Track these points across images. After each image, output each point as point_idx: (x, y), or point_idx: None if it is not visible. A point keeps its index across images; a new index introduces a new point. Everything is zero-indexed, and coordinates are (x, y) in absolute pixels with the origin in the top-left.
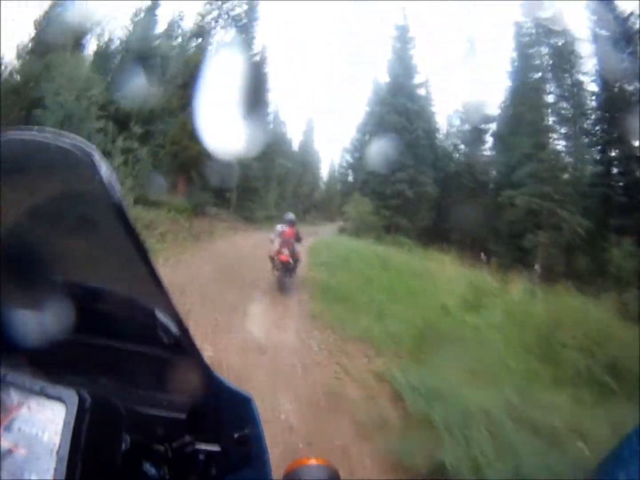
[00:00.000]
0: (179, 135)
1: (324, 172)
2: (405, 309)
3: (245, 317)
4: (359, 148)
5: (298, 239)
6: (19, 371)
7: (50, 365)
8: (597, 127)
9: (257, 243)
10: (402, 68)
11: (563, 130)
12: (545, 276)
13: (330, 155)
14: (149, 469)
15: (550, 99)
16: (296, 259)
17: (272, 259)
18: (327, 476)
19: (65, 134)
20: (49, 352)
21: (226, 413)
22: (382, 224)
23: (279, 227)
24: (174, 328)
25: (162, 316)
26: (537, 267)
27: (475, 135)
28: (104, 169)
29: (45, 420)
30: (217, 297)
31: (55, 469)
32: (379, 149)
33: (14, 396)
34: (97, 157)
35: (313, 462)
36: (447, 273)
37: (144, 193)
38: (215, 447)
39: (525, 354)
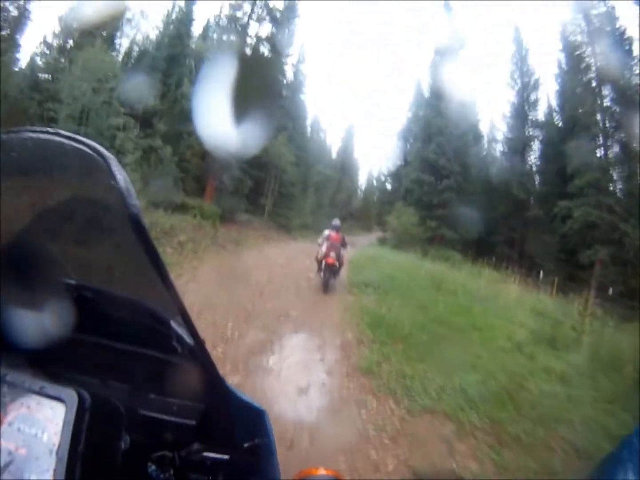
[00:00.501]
0: None
1: (362, 181)
2: (476, 351)
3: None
4: (401, 155)
5: (344, 244)
6: (19, 371)
7: (53, 365)
8: None
9: (290, 256)
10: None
11: (622, 135)
12: (603, 297)
13: (369, 164)
14: (155, 472)
15: (606, 102)
16: (341, 263)
17: (319, 262)
18: None
19: (79, 137)
20: (55, 352)
21: (237, 423)
22: (426, 235)
23: (326, 232)
24: (188, 339)
25: (176, 327)
26: (609, 290)
27: (524, 142)
28: (121, 176)
29: (45, 420)
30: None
31: (55, 469)
32: (424, 156)
33: (14, 396)
34: (114, 163)
35: (322, 472)
36: (506, 295)
37: (168, 195)
38: (223, 456)
39: None
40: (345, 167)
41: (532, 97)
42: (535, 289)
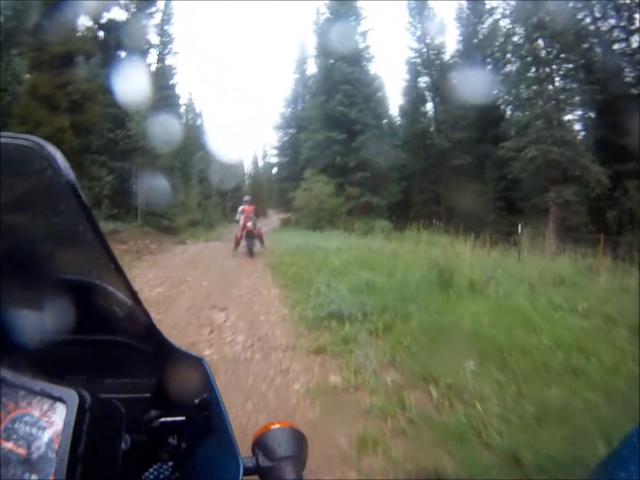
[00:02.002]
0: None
1: (247, 164)
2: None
3: None
4: (292, 121)
5: (257, 214)
6: (19, 371)
7: (51, 365)
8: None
9: (180, 281)
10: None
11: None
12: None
13: (252, 145)
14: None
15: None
16: (260, 233)
17: (236, 240)
18: (295, 437)
19: (21, 135)
20: (50, 352)
21: (186, 381)
22: (348, 206)
23: (240, 208)
24: (125, 300)
25: (113, 291)
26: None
27: (434, 87)
28: (59, 156)
29: (46, 421)
30: None
31: (56, 469)
32: (329, 110)
33: (14, 396)
34: (52, 148)
35: (277, 425)
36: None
37: None
38: (179, 418)
39: None
40: (227, 151)
41: (437, 41)
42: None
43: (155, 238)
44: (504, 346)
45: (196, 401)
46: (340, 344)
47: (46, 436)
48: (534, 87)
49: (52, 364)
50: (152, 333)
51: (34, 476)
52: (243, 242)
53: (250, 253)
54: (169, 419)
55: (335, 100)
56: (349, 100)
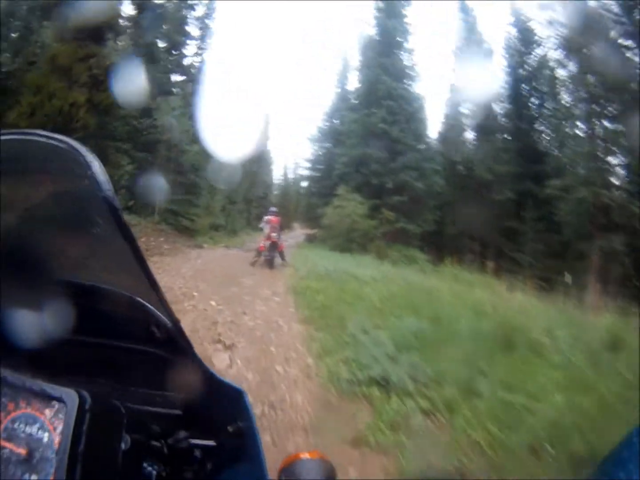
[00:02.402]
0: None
1: (278, 174)
2: None
3: None
4: (330, 135)
5: (282, 227)
6: (19, 371)
7: (45, 365)
8: None
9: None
10: (392, 24)
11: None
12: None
13: (285, 155)
14: (146, 466)
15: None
16: (282, 248)
17: (258, 249)
18: (324, 469)
19: (57, 135)
20: (43, 352)
21: (220, 407)
22: (381, 230)
23: (266, 217)
24: (167, 323)
25: (153, 310)
26: None
27: (486, 119)
28: (96, 166)
29: (46, 421)
30: None
31: (56, 469)
32: (370, 125)
33: (14, 396)
34: (89, 155)
35: (307, 455)
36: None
37: None
38: (210, 442)
39: None
40: (259, 159)
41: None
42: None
43: (171, 238)
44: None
45: (230, 429)
46: (386, 431)
47: (46, 436)
48: (582, 125)
49: (83, 369)
50: (184, 348)
51: (34, 476)
52: (265, 252)
53: (270, 265)
54: (199, 441)
55: (377, 116)
56: (392, 118)
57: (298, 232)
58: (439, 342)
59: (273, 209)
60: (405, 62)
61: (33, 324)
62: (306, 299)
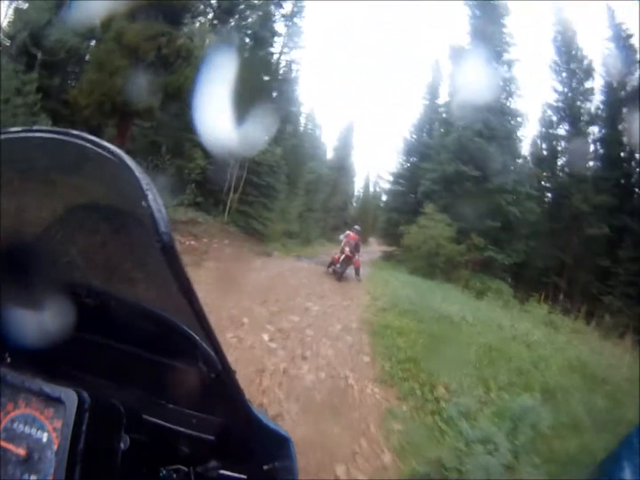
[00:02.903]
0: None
1: (359, 185)
2: None
3: None
4: (416, 149)
5: (359, 245)
6: (19, 371)
7: (50, 365)
8: None
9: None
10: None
11: None
12: None
13: (367, 167)
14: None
15: None
16: (357, 262)
17: (333, 260)
18: None
19: (101, 141)
20: (56, 352)
21: (259, 446)
22: (468, 257)
23: (347, 232)
24: (215, 360)
25: (204, 346)
26: None
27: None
28: (152, 196)
29: (45, 421)
30: None
31: (55, 470)
32: (464, 140)
33: (13, 396)
34: (144, 179)
35: None
36: None
37: None
38: (241, 476)
39: None
40: (341, 168)
41: (584, 85)
42: None
43: (237, 241)
44: None
45: (265, 467)
46: None
47: (45, 436)
48: None
49: (98, 370)
50: (230, 385)
51: (33, 476)
52: (337, 265)
53: (339, 278)
54: (229, 473)
55: (474, 129)
56: (489, 132)
57: (374, 248)
58: (561, 433)
59: (357, 227)
60: (503, 75)
61: (37, 324)
62: (385, 343)
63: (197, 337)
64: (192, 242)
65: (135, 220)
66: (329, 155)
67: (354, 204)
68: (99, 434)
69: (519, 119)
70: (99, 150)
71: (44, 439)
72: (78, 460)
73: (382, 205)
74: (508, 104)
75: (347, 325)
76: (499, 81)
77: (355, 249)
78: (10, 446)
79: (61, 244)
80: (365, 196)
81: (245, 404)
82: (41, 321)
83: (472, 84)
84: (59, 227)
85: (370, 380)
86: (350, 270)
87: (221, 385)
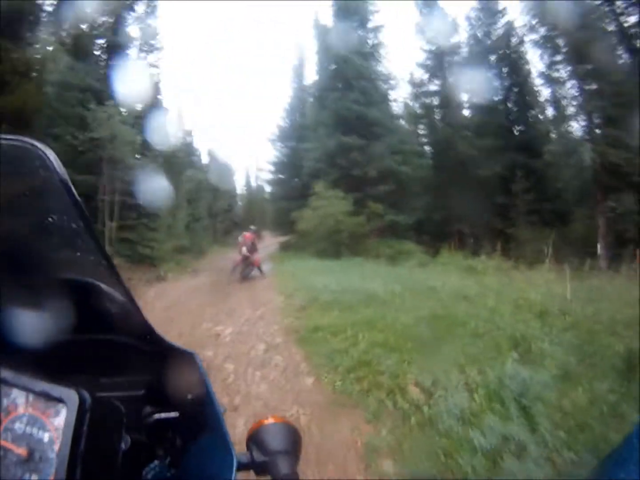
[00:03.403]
0: None
1: (240, 183)
2: None
3: None
4: (293, 129)
5: (255, 243)
6: (19, 371)
7: (50, 365)
8: None
9: None
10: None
11: None
12: None
13: (246, 162)
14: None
15: None
16: (257, 262)
17: (234, 264)
18: (289, 431)
19: (14, 136)
20: (49, 352)
21: (179, 377)
22: (370, 227)
23: (243, 233)
24: (119, 297)
25: (108, 289)
26: None
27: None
28: (52, 156)
29: (46, 421)
30: None
31: (56, 470)
32: (343, 110)
33: (14, 396)
34: (45, 148)
35: (271, 420)
36: None
37: None
38: (173, 414)
39: None
40: (219, 170)
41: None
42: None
43: (125, 274)
44: None
45: (189, 397)
46: None
47: (46, 436)
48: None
49: (52, 363)
50: (145, 330)
51: (34, 476)
52: (239, 268)
53: (242, 280)
54: (162, 415)
55: (350, 98)
56: (366, 99)
57: (270, 241)
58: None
59: (252, 227)
60: (371, 42)
61: (23, 322)
62: (323, 351)
63: (100, 283)
64: None
65: (45, 187)
66: (204, 159)
67: (239, 203)
68: (100, 433)
69: (392, 82)
70: (13, 142)
71: (45, 439)
72: (79, 460)
73: (267, 197)
74: (379, 68)
75: (271, 342)
76: (367, 48)
77: (253, 247)
78: (11, 446)
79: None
80: (249, 192)
81: (151, 328)
82: (41, 321)
83: (340, 56)
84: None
85: (326, 410)
86: (254, 271)
87: (133, 324)
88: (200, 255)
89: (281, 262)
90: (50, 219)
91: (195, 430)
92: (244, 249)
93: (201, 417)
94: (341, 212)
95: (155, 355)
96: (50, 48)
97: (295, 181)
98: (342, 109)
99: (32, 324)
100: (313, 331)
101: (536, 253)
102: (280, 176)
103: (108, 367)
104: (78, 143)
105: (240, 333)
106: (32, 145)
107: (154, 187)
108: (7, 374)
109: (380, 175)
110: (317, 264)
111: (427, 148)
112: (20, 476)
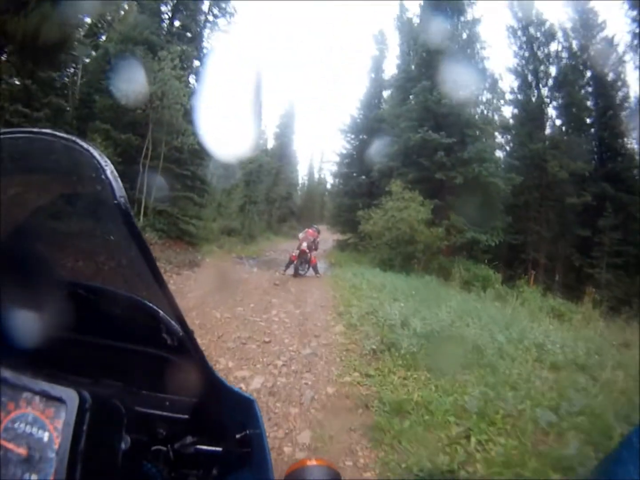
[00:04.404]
0: None
1: (302, 173)
2: None
3: None
4: (367, 122)
5: (316, 242)
6: (19, 371)
7: (50, 365)
8: None
9: None
10: None
11: None
12: None
13: (312, 153)
14: (150, 469)
15: None
16: (312, 258)
17: (290, 259)
18: (329, 476)
19: (65, 134)
20: (49, 352)
21: (228, 415)
22: (447, 242)
23: (306, 229)
24: (177, 330)
25: (166, 318)
26: None
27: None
28: (108, 168)
29: (46, 421)
30: None
31: (56, 469)
32: (429, 103)
33: (14, 396)
34: (103, 159)
35: (313, 462)
36: None
37: None
38: (216, 449)
39: None
40: (283, 156)
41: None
42: None
43: (156, 251)
44: None
45: (237, 436)
46: None
47: (46, 436)
48: None
49: (84, 367)
50: (192, 352)
51: (34, 476)
52: (295, 263)
53: (296, 274)
54: (205, 447)
55: (440, 92)
56: (458, 95)
57: (325, 236)
58: None
59: (316, 226)
60: (464, 36)
61: (34, 324)
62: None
63: (158, 309)
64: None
65: (96, 200)
66: (270, 143)
67: (299, 192)
68: (99, 433)
69: (493, 77)
70: (61, 142)
71: (45, 439)
72: (79, 460)
73: (329, 190)
74: (474, 64)
75: (318, 430)
76: (461, 41)
77: (313, 245)
78: (11, 446)
79: (37, 239)
80: (310, 183)
81: (209, 369)
82: (41, 321)
83: (432, 43)
84: (32, 224)
85: None
86: (310, 271)
87: (186, 356)
88: (250, 240)
89: (339, 265)
90: (99, 232)
91: (235, 467)
92: (304, 244)
93: (245, 456)
94: (419, 219)
95: (206, 386)
96: None
97: (362, 178)
98: (431, 101)
99: (60, 328)
100: (395, 412)
101: (617, 301)
102: (347, 170)
103: (151, 383)
104: (122, 96)
105: (272, 393)
106: (90, 152)
107: (207, 160)
108: (7, 373)
109: (466, 183)
110: (385, 278)
111: (516, 162)
112: (20, 476)
